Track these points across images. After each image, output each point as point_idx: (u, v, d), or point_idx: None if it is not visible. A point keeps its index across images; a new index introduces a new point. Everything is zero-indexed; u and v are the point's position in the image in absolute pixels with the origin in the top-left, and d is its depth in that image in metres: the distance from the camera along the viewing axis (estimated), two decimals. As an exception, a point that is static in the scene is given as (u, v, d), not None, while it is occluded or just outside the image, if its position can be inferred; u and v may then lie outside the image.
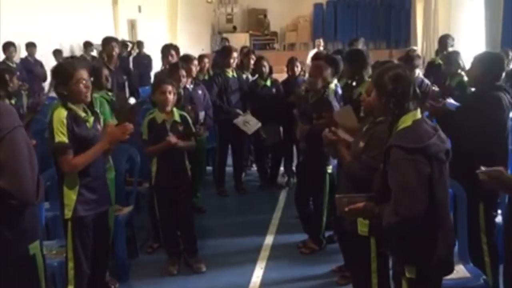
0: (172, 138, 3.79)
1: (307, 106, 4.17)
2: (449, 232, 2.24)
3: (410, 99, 2.19)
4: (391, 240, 2.27)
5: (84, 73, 2.90)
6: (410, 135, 2.12)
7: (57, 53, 8.88)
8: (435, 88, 4.77)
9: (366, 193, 2.28)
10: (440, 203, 2.15)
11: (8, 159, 1.87)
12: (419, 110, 2.21)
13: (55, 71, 3.01)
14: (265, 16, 19.00)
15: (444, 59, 5.36)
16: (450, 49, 6.07)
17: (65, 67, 2.98)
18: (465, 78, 4.42)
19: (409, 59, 5.12)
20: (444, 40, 6.18)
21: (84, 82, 2.87)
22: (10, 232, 1.98)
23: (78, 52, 9.48)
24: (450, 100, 4.27)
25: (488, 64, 3.16)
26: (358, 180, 2.48)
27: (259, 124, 5.62)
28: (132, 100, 5.44)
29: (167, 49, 5.62)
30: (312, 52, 12.28)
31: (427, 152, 2.09)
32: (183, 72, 4.76)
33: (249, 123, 5.59)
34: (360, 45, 6.33)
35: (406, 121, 2.16)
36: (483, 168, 2.15)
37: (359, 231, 2.60)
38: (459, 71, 4.90)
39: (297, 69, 5.78)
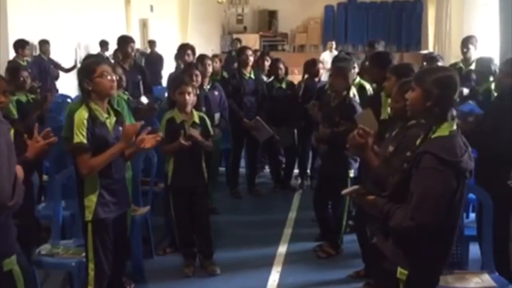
0: (183, 140, 3.74)
1: (330, 109, 4.13)
2: (450, 248, 2.24)
3: (452, 106, 2.16)
4: (390, 239, 2.24)
5: (107, 68, 2.89)
6: (446, 145, 2.08)
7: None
8: (465, 90, 4.64)
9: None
10: (452, 218, 2.14)
11: None
12: (455, 121, 2.17)
13: (79, 68, 3.00)
14: (270, 15, 18.89)
15: (477, 63, 5.19)
16: (472, 51, 5.84)
17: (88, 62, 2.99)
18: (493, 85, 4.32)
19: (433, 60, 5.03)
20: (466, 42, 5.94)
21: (107, 76, 2.85)
22: None
23: (94, 51, 9.45)
24: (469, 104, 4.18)
25: None
26: (386, 185, 2.43)
27: (271, 133, 5.56)
28: (144, 99, 5.33)
29: (184, 49, 5.58)
30: (324, 54, 12.27)
31: (458, 167, 2.07)
32: (197, 72, 4.72)
33: (261, 130, 5.55)
34: (380, 48, 6.20)
35: (443, 130, 2.12)
36: None
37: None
38: (490, 78, 4.77)
39: (322, 71, 5.69)
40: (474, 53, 5.78)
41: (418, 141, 2.22)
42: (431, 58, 5.64)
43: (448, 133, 2.11)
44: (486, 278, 2.89)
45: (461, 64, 5.80)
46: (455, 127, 2.15)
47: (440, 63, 5.07)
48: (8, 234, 2.00)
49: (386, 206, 2.19)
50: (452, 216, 2.14)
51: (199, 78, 4.72)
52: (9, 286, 2.00)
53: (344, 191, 2.48)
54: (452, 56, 10.88)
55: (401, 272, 2.19)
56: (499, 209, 2.95)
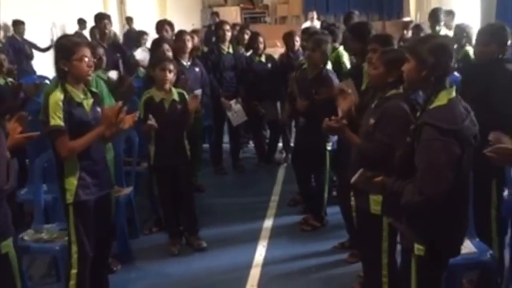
0: (152, 123, 3.70)
1: (306, 81, 4.10)
2: (466, 216, 2.22)
3: (450, 73, 2.11)
4: (404, 217, 2.23)
5: (87, 51, 2.80)
6: (445, 114, 2.05)
7: None
8: None
9: (380, 171, 2.23)
10: (463, 187, 2.12)
11: None
12: (454, 88, 2.13)
13: (57, 45, 2.90)
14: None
15: (456, 31, 5.15)
16: (441, 23, 5.81)
17: (69, 42, 2.85)
18: (471, 52, 4.32)
19: (418, 28, 4.97)
20: (435, 14, 5.90)
21: (86, 60, 2.77)
22: None
23: (70, 30, 9.23)
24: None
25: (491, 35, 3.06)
26: (372, 159, 2.42)
27: (245, 118, 5.57)
28: (113, 74, 5.08)
29: (161, 25, 5.48)
30: (305, 25, 12.14)
31: (460, 134, 2.04)
32: (166, 47, 4.63)
33: (237, 113, 5.51)
34: (355, 19, 6.14)
35: (441, 99, 2.09)
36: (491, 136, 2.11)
37: (372, 210, 2.55)
38: (467, 45, 4.75)
39: (297, 43, 5.59)
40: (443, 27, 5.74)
41: (418, 113, 2.18)
42: (416, 27, 5.60)
43: (446, 102, 2.08)
44: (468, 244, 2.93)
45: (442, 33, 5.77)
46: (454, 94, 2.12)
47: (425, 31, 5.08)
48: (5, 216, 2.03)
49: (395, 185, 2.14)
50: (462, 184, 2.11)
51: (169, 53, 4.61)
52: (4, 268, 2.03)
53: (352, 180, 2.32)
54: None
55: (418, 249, 2.15)
56: (479, 176, 2.97)
